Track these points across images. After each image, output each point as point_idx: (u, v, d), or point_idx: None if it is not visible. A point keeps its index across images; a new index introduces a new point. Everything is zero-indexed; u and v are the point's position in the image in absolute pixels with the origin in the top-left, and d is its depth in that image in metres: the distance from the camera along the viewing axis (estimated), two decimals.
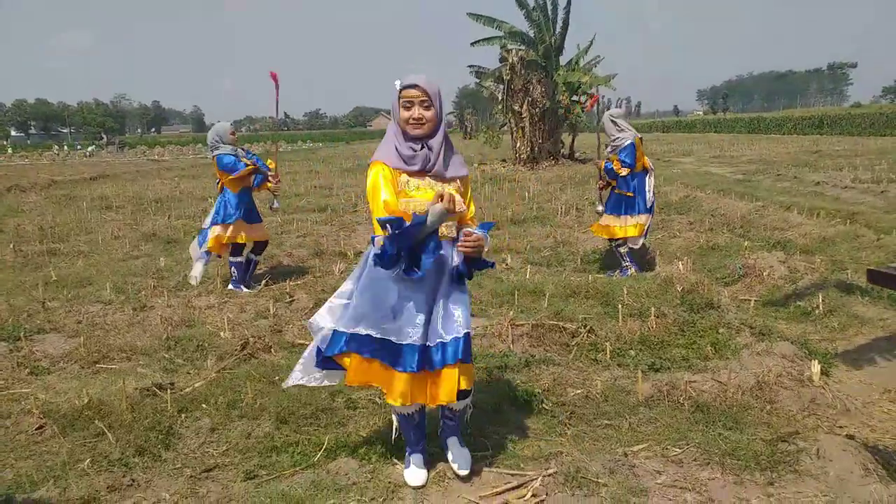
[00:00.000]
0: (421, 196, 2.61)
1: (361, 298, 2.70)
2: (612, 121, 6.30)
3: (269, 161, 6.44)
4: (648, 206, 6.28)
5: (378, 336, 2.64)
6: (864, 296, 5.33)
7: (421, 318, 2.63)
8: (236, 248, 6.28)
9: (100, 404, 3.54)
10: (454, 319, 2.67)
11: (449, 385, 2.64)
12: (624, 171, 6.13)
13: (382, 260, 2.53)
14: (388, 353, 2.64)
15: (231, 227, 6.12)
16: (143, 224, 10.88)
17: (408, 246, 2.49)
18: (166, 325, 5.04)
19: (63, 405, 3.61)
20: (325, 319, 2.83)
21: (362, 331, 2.66)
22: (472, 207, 2.91)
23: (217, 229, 6.12)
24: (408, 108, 2.62)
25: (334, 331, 2.76)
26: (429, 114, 2.63)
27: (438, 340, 2.64)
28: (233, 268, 6.28)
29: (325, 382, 2.97)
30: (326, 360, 2.80)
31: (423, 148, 2.65)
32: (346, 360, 2.74)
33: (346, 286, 2.85)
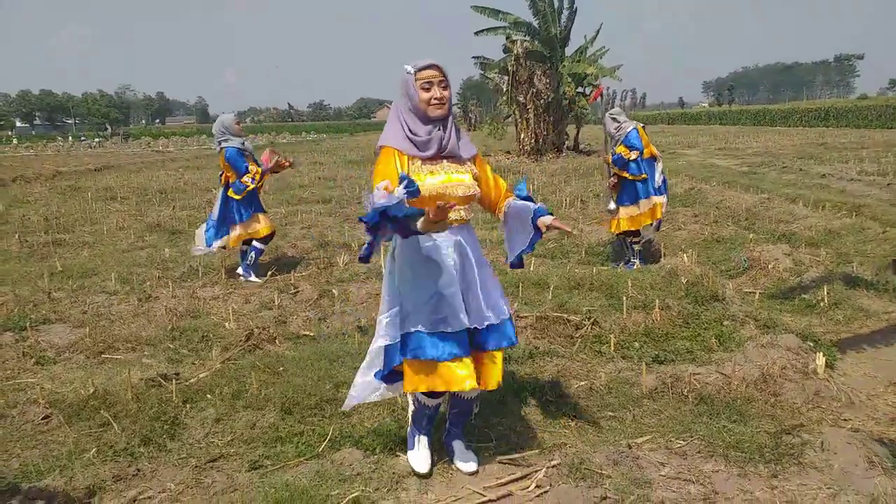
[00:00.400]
0: (436, 181, 2.61)
1: (404, 299, 2.67)
2: (612, 118, 6.38)
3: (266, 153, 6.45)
4: (660, 188, 6.29)
5: (430, 331, 2.60)
6: (870, 289, 5.31)
7: (461, 305, 2.62)
8: (264, 237, 6.33)
9: (105, 394, 3.56)
10: (495, 302, 2.70)
11: (498, 367, 2.69)
12: (633, 154, 6.14)
13: (370, 217, 2.34)
14: (443, 344, 2.59)
15: (250, 223, 6.19)
16: (147, 215, 10.90)
17: (396, 219, 2.34)
18: (171, 315, 5.06)
19: (69, 395, 3.62)
20: (377, 341, 2.81)
21: (411, 329, 2.62)
22: (502, 182, 2.91)
23: (238, 228, 6.17)
24: (427, 90, 2.61)
25: (386, 347, 2.74)
26: (447, 93, 2.64)
27: (487, 322, 2.65)
28: (252, 252, 6.30)
29: (389, 395, 2.98)
30: (387, 375, 2.79)
31: (438, 129, 2.65)
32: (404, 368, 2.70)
33: (382, 304, 2.79)
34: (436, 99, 2.61)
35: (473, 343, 2.67)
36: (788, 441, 3.00)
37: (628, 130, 6.22)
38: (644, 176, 6.21)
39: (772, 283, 5.68)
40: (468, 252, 2.70)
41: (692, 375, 3.63)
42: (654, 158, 6.28)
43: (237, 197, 6.10)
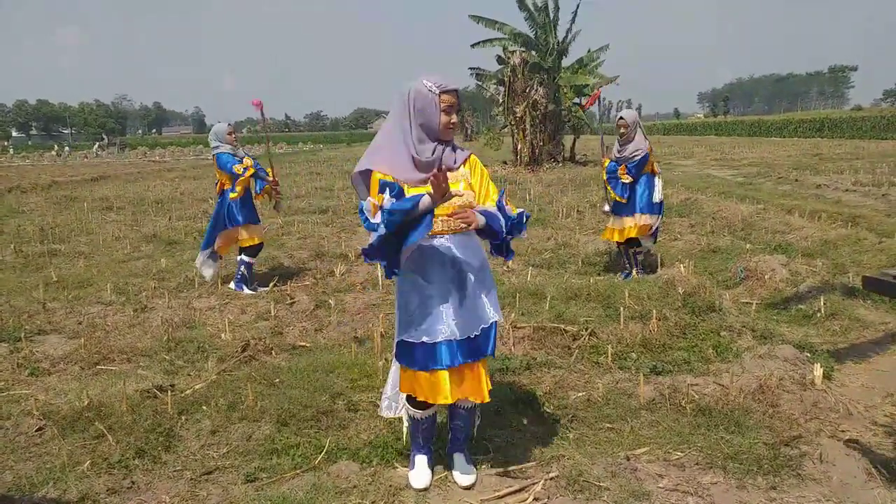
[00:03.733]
0: (424, 189, 2.59)
1: (398, 308, 2.72)
2: (639, 123, 6.23)
3: (267, 170, 6.42)
4: (656, 206, 6.24)
5: (413, 340, 2.62)
6: (866, 299, 5.32)
7: (449, 315, 2.61)
8: (250, 249, 6.29)
9: (100, 406, 3.53)
10: (488, 310, 2.69)
11: (485, 378, 2.69)
12: (627, 179, 6.13)
13: (370, 247, 2.45)
14: (425, 355, 2.61)
15: (239, 230, 6.18)
16: (143, 225, 10.88)
17: (399, 227, 2.40)
18: (167, 326, 5.03)
19: (63, 406, 3.60)
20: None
21: (400, 337, 2.67)
22: (494, 188, 2.80)
23: (225, 234, 6.18)
24: (448, 113, 2.62)
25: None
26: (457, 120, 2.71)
27: (483, 327, 2.66)
28: (242, 267, 6.28)
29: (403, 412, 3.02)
30: None
31: (441, 145, 2.68)
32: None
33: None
34: (452, 123, 2.65)
35: (466, 353, 2.63)
36: (787, 452, 2.99)
37: (638, 158, 6.09)
38: (624, 200, 6.18)
39: (768, 294, 5.68)
40: (463, 262, 2.67)
41: (690, 386, 3.63)
42: (653, 174, 6.25)
43: (234, 195, 6.11)
